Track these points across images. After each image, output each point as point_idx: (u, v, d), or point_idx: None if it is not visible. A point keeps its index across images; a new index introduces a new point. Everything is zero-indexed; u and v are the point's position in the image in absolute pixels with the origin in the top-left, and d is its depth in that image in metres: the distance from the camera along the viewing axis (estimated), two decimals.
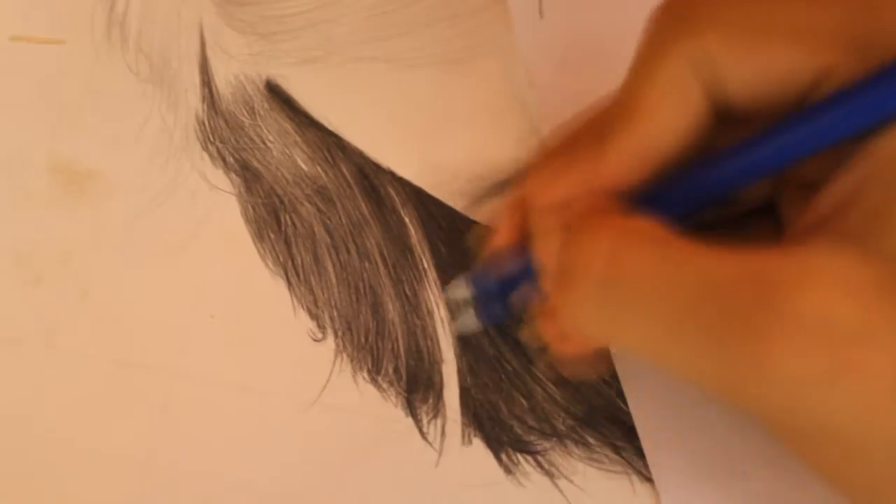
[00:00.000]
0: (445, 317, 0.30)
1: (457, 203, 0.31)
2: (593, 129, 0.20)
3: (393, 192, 0.31)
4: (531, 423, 0.28)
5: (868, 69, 0.17)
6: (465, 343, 0.29)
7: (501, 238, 0.24)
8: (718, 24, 0.18)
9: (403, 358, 0.29)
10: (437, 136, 0.32)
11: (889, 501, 0.18)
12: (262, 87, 0.33)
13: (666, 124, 0.19)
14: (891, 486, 0.17)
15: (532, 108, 0.31)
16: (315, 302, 0.30)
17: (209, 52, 0.33)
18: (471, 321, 0.27)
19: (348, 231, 0.31)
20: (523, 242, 0.23)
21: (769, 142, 0.18)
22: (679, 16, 0.19)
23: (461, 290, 0.27)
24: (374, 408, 0.29)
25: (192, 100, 0.33)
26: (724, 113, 0.19)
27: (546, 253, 0.20)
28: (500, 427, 0.29)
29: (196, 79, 0.33)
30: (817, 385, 0.16)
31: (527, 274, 0.23)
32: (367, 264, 0.31)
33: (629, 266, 0.18)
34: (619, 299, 0.18)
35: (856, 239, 0.17)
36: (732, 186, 0.19)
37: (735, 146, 0.19)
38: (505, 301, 0.25)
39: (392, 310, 0.30)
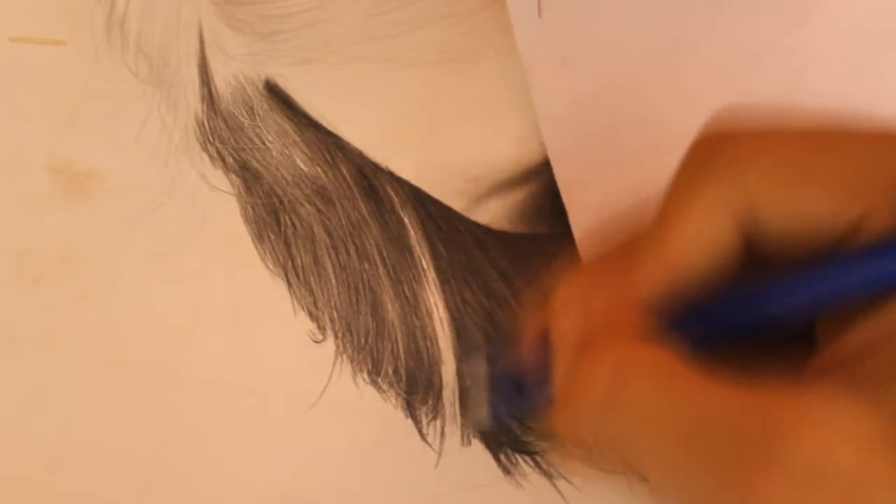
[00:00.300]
0: (443, 304, 0.30)
1: (457, 203, 0.31)
2: (626, 251, 0.21)
3: (392, 193, 0.31)
4: (530, 423, 0.29)
5: None
6: (464, 344, 0.30)
7: (525, 342, 0.24)
8: (760, 161, 0.18)
9: (403, 359, 0.30)
10: (437, 136, 0.32)
11: None
12: (261, 87, 0.33)
13: (697, 252, 0.19)
14: None
15: (532, 108, 0.31)
16: (315, 303, 0.30)
17: (208, 53, 0.33)
18: (482, 418, 0.27)
19: (348, 231, 0.31)
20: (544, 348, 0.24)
21: (802, 282, 0.18)
22: (721, 146, 0.19)
23: (479, 365, 0.27)
24: (374, 409, 0.29)
25: (192, 100, 0.33)
26: (755, 248, 0.19)
27: (558, 365, 0.20)
28: (499, 427, 0.29)
29: (195, 79, 0.33)
30: None
31: (543, 379, 0.23)
32: (366, 265, 0.31)
33: (629, 394, 0.18)
34: (615, 425, 0.18)
35: (871, 387, 0.16)
36: (759, 322, 0.19)
37: (768, 282, 0.19)
38: (517, 402, 0.26)
39: (391, 310, 0.30)
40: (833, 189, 0.18)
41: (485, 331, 0.29)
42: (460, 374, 0.29)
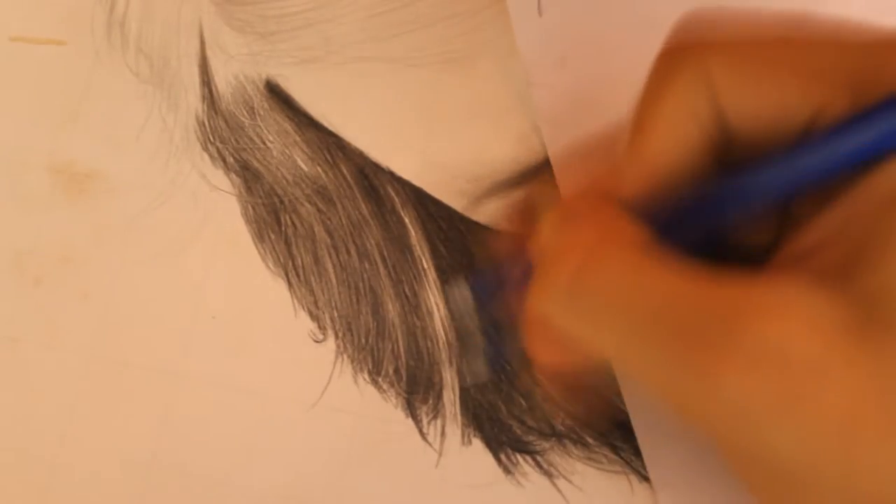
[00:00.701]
0: (443, 304, 0.30)
1: (457, 203, 0.31)
2: (602, 147, 0.21)
3: (393, 192, 0.31)
4: (530, 423, 0.29)
5: (861, 107, 0.17)
6: (464, 343, 0.30)
7: (507, 235, 0.24)
8: (722, 58, 0.19)
9: (403, 358, 0.30)
10: (437, 135, 0.32)
11: None
12: (261, 86, 0.33)
13: (669, 152, 0.20)
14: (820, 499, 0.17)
15: (532, 108, 0.31)
16: (315, 303, 0.30)
17: (209, 53, 0.33)
18: (481, 370, 0.27)
19: (348, 231, 0.31)
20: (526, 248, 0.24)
21: (763, 171, 0.19)
22: (686, 50, 0.20)
23: (463, 290, 0.27)
24: (375, 409, 0.29)
25: (192, 100, 0.33)
26: (725, 145, 0.20)
27: (536, 246, 0.21)
28: (499, 427, 0.29)
29: (196, 79, 0.33)
30: (765, 412, 0.16)
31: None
32: (367, 265, 0.31)
33: (600, 269, 0.18)
34: (585, 300, 0.19)
35: (831, 277, 0.17)
36: (730, 213, 0.20)
37: (732, 175, 0.20)
38: (510, 345, 0.26)
39: (392, 310, 0.30)
40: (793, 79, 0.18)
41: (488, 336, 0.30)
42: (450, 314, 0.29)
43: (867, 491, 0.16)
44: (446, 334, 0.30)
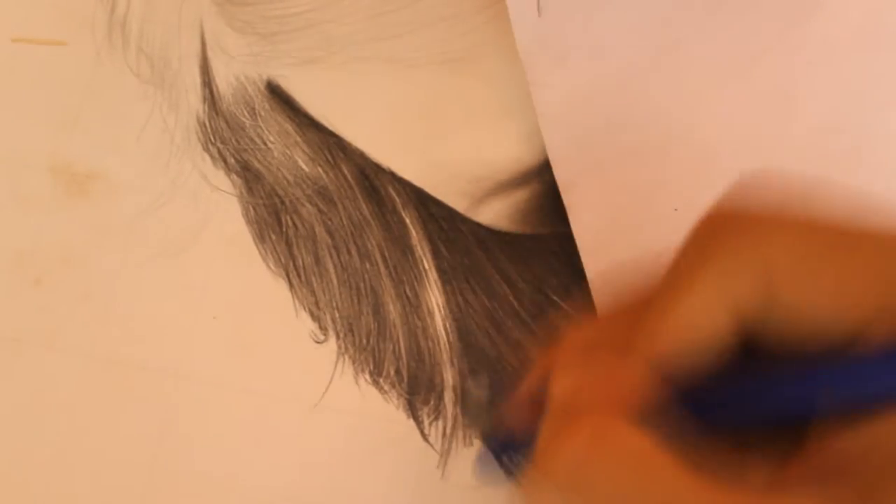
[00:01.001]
0: (444, 304, 0.30)
1: (458, 203, 0.31)
2: (635, 310, 0.20)
3: (394, 193, 0.31)
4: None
5: None
6: (466, 344, 0.30)
7: (525, 394, 0.24)
8: (786, 237, 0.18)
9: (405, 359, 0.30)
10: (438, 136, 0.32)
11: None
12: (262, 87, 0.33)
13: (697, 334, 0.18)
14: None
15: (532, 108, 0.31)
16: (317, 303, 0.31)
17: (210, 53, 0.33)
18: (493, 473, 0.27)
19: (349, 232, 0.31)
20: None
21: (795, 381, 0.18)
22: (745, 215, 0.18)
23: (483, 389, 0.28)
24: (376, 410, 0.29)
25: (193, 101, 0.33)
26: (755, 340, 0.19)
27: (545, 425, 0.20)
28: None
29: (197, 79, 0.33)
30: None
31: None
32: (368, 265, 0.31)
33: (598, 471, 0.17)
34: (587, 481, 0.17)
35: (851, 501, 0.16)
36: (751, 413, 0.19)
37: (761, 376, 0.18)
38: (506, 455, 0.26)
39: (393, 311, 0.30)
40: (857, 280, 0.17)
41: (489, 337, 0.30)
42: (463, 395, 0.29)
43: None
44: (447, 335, 0.30)
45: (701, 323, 0.18)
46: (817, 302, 0.17)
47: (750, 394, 0.18)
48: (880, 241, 0.17)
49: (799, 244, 0.17)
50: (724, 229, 0.18)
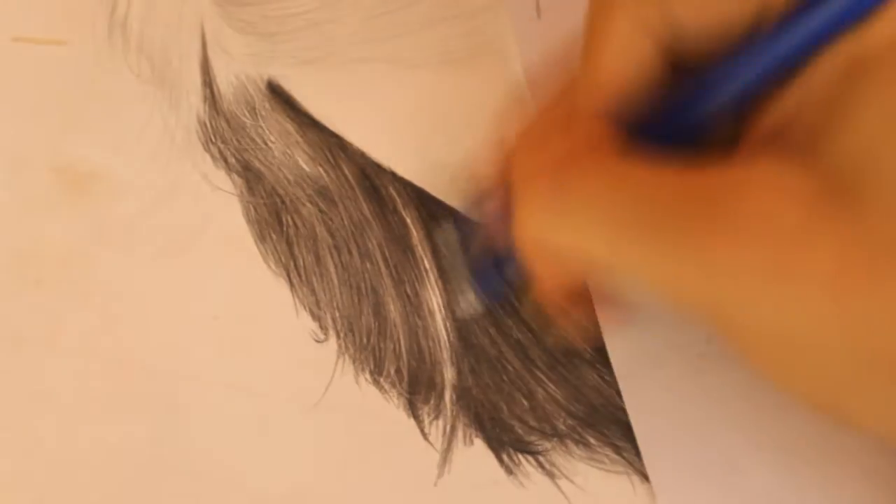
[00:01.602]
0: (445, 304, 0.30)
1: (458, 203, 0.31)
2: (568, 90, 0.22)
3: (394, 193, 0.31)
4: (532, 423, 0.29)
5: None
6: (466, 343, 0.30)
7: (486, 179, 0.25)
8: None
9: (405, 359, 0.30)
10: (439, 136, 0.32)
11: (844, 401, 0.18)
12: (263, 87, 0.33)
13: (623, 71, 0.20)
14: (837, 386, 0.18)
15: (531, 108, 0.31)
16: (317, 303, 0.30)
17: (210, 53, 0.33)
18: (472, 302, 0.28)
19: (350, 232, 0.31)
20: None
21: (717, 71, 0.20)
22: None
23: (450, 234, 0.28)
24: (376, 409, 0.29)
25: (194, 100, 0.33)
26: (679, 52, 0.21)
27: (513, 170, 0.22)
28: (501, 427, 0.29)
29: (197, 79, 0.33)
30: (759, 280, 0.17)
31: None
32: (368, 265, 0.31)
33: (578, 175, 0.19)
34: (568, 209, 0.19)
35: (797, 154, 0.18)
36: (692, 113, 0.21)
37: (685, 81, 0.20)
38: (501, 276, 0.26)
39: (394, 310, 0.30)
40: None
41: (489, 336, 0.30)
42: (436, 254, 0.30)
43: (862, 342, 0.17)
44: (448, 334, 0.30)
45: (627, 56, 0.20)
46: (711, 10, 0.19)
47: (684, 101, 0.20)
48: None
49: None
50: None
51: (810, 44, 0.19)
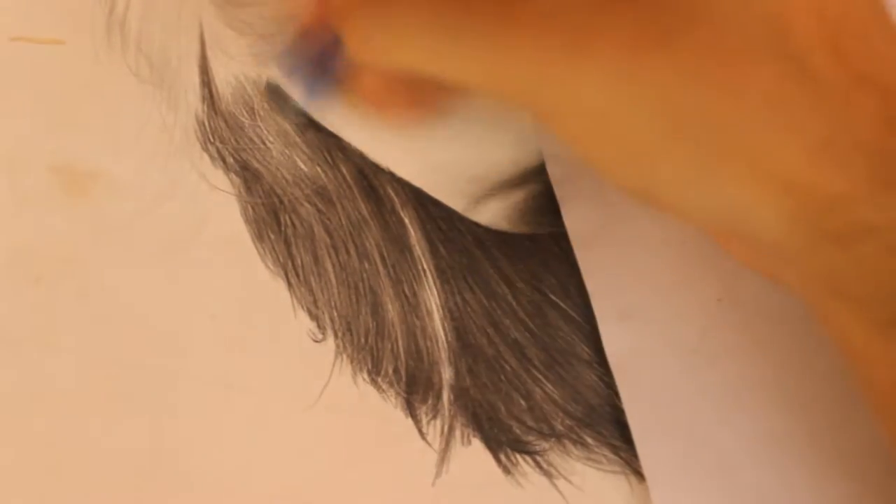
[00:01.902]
0: (443, 304, 0.30)
1: (456, 203, 0.31)
2: None
3: (392, 193, 0.31)
4: (530, 423, 0.29)
5: None
6: (464, 343, 0.30)
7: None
8: None
9: (403, 358, 0.30)
10: (437, 136, 0.32)
11: (654, 179, 0.20)
12: (262, 87, 0.33)
13: None
14: (646, 162, 0.19)
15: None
16: (315, 302, 0.31)
17: (209, 53, 0.33)
18: (300, 101, 0.28)
19: (348, 231, 0.31)
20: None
21: None
22: None
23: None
24: (374, 409, 0.29)
25: (192, 100, 0.33)
26: None
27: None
28: (498, 427, 0.29)
29: (196, 79, 0.33)
30: (559, 62, 0.19)
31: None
32: (366, 265, 0.31)
33: None
34: (384, 24, 0.21)
35: None
36: None
37: None
38: (324, 74, 0.26)
39: (392, 310, 0.30)
40: None
41: (487, 336, 0.30)
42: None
43: (661, 110, 0.18)
44: (446, 334, 0.30)
45: None
46: None
47: None
48: None
49: None
50: None
51: None
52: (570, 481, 0.28)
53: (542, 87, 0.19)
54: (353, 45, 0.23)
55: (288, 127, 0.32)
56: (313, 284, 0.31)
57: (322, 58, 0.26)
